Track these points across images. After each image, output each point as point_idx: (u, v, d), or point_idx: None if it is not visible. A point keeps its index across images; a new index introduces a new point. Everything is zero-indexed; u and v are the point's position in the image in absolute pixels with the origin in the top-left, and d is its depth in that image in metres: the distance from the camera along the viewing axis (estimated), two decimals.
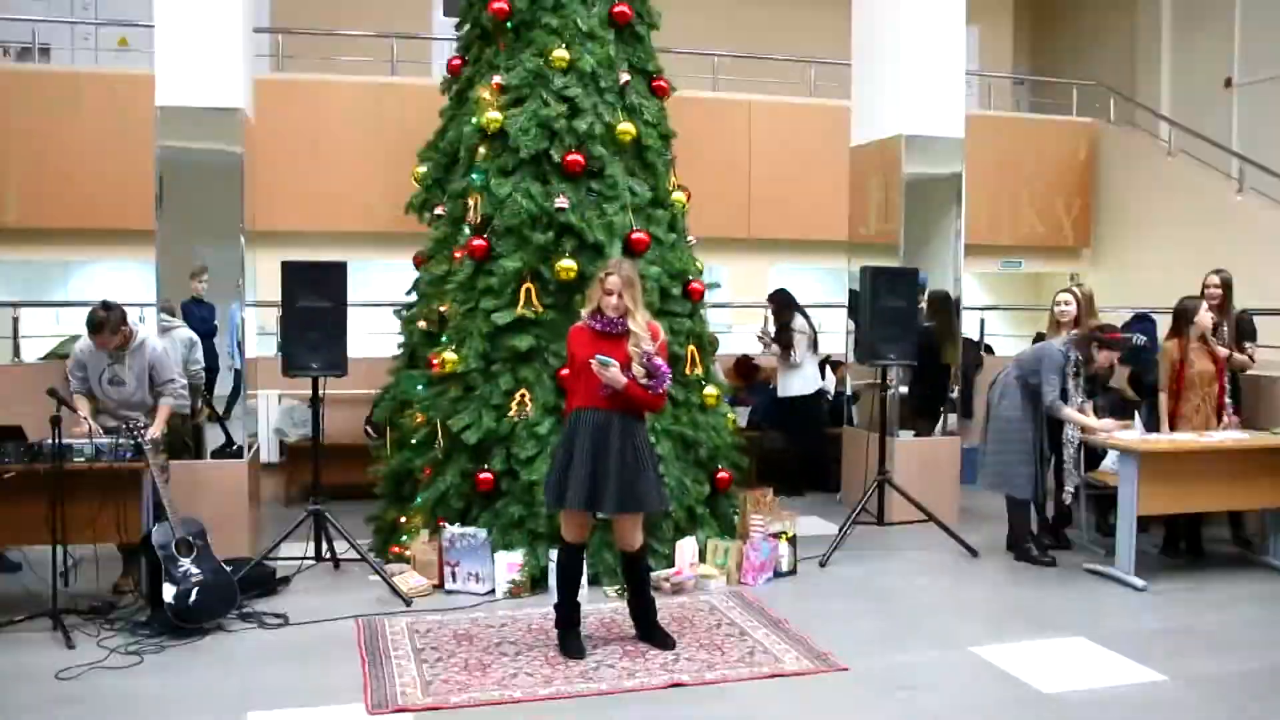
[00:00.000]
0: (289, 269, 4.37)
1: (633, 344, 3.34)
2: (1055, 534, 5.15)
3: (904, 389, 5.72)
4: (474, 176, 4.64)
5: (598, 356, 3.25)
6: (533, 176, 4.53)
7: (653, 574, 4.07)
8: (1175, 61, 9.68)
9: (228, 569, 3.93)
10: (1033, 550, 4.84)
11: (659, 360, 3.35)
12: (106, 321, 4.12)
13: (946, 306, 5.83)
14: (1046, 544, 4.95)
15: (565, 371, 3.80)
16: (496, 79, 4.67)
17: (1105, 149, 9.04)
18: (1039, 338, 5.62)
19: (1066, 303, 4.95)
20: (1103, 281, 8.52)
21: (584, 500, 3.30)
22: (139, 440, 3.82)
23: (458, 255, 4.64)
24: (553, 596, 3.63)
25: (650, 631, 3.59)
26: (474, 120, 4.67)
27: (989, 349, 7.69)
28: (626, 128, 4.65)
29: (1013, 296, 9.77)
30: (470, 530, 4.28)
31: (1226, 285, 5.08)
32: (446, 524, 4.32)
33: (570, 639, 3.51)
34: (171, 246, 4.76)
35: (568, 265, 4.42)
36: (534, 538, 4.30)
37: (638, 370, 3.31)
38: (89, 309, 4.23)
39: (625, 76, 4.75)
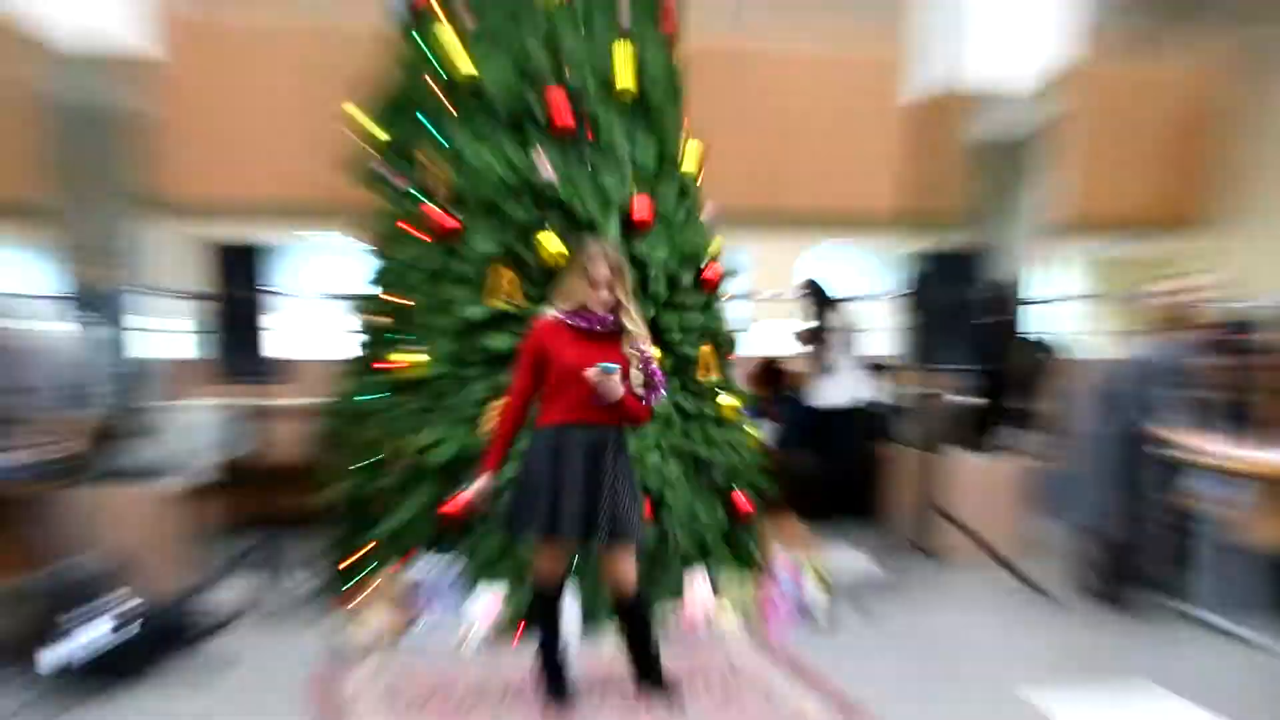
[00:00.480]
0: (218, 252, 4.66)
1: (629, 346, 3.52)
2: (1131, 569, 5.27)
3: (965, 399, 5.95)
4: (439, 139, 4.76)
5: (601, 365, 3.41)
6: (511, 139, 4.74)
7: (657, 608, 4.30)
8: None
9: (152, 612, 4.12)
10: (1109, 589, 5.09)
11: (656, 366, 3.56)
12: None
13: (1005, 297, 6.03)
14: (1122, 581, 5.14)
15: (522, 379, 3.68)
16: (467, 19, 4.85)
17: (1237, 98, 8.92)
18: (1137, 338, 5.49)
19: (1192, 291, 4.87)
20: (1235, 263, 8.26)
21: (580, 529, 3.51)
22: (41, 459, 4.04)
23: (418, 233, 4.80)
24: (538, 639, 3.85)
25: (653, 678, 3.82)
26: (439, 70, 4.85)
27: (1058, 349, 7.56)
28: (627, 79, 4.84)
29: (1113, 283, 9.74)
30: (442, 564, 4.53)
31: None
32: (414, 557, 4.55)
33: (557, 686, 3.76)
34: (70, 223, 4.98)
35: (554, 247, 4.59)
36: (518, 572, 4.48)
37: (635, 377, 3.51)
38: None
39: (626, 16, 4.96)
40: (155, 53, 5.11)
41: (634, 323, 3.54)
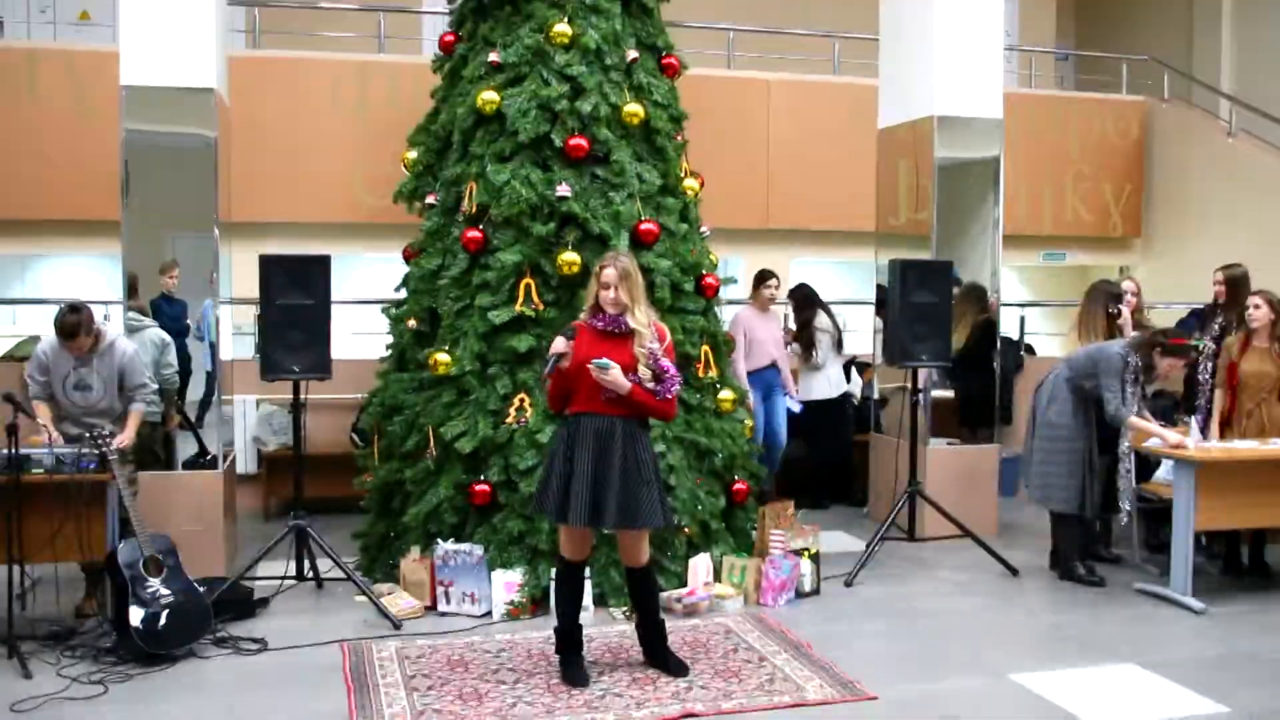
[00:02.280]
0: (268, 263, 4.44)
1: (638, 344, 3.37)
2: (1103, 552, 5.19)
3: (940, 391, 5.81)
4: (469, 163, 4.69)
5: (595, 360, 3.29)
6: (532, 162, 4.59)
7: (664, 594, 4.10)
8: (1237, 33, 9.67)
9: (201, 590, 3.97)
10: (1079, 569, 4.88)
11: (666, 362, 3.39)
12: (80, 325, 4.14)
13: (973, 297, 5.91)
14: (1094, 562, 4.98)
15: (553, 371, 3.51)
16: (493, 56, 4.74)
17: (1158, 130, 9.07)
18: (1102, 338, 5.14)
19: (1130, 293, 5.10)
20: (1155, 274, 8.58)
21: (587, 517, 3.34)
22: (105, 450, 3.86)
23: (448, 246, 4.70)
24: (554, 619, 3.68)
25: (660, 656, 3.63)
26: (468, 101, 4.74)
27: (1030, 349, 7.72)
28: (634, 109, 4.72)
29: (1055, 292, 9.80)
30: (465, 547, 4.34)
31: (1232, 282, 5.27)
32: (439, 540, 4.38)
33: (573, 665, 3.54)
34: (139, 239, 4.87)
35: (570, 259, 4.47)
36: (534, 555, 4.34)
37: (644, 373, 3.35)
38: (54, 309, 4.27)
39: (633, 53, 4.83)
40: (222, 89, 5.04)
41: (638, 322, 3.37)
